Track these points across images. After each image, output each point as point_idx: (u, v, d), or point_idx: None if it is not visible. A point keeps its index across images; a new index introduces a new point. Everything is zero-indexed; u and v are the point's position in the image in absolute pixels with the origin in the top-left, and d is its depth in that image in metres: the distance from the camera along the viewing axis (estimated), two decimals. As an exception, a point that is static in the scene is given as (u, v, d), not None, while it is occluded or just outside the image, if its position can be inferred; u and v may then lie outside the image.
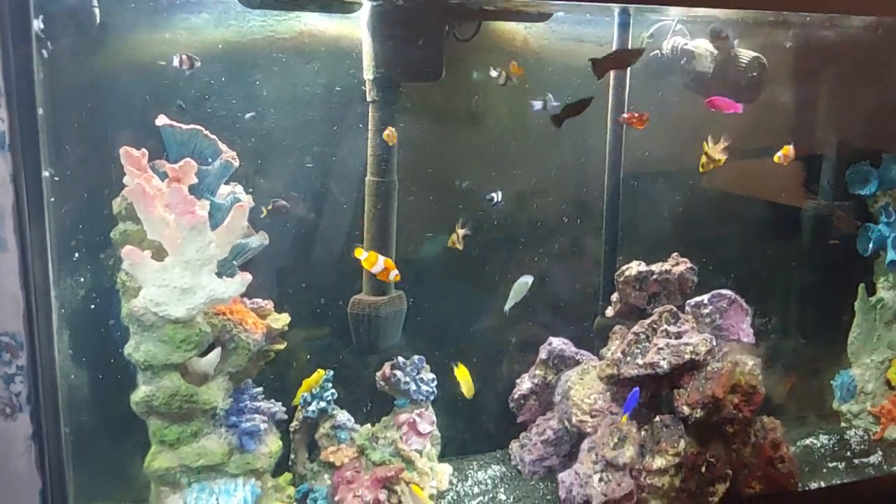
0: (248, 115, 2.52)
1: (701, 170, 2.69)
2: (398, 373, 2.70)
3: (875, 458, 3.12)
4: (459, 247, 2.70)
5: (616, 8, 2.72)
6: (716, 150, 2.65)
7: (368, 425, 2.72)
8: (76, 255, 2.39)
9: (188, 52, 2.34)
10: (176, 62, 2.33)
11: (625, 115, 2.70)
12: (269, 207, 2.53)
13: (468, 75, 2.77)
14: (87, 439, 2.45)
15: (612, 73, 2.83)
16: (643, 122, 2.64)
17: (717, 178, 3.15)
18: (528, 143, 2.89)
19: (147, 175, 2.10)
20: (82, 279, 2.41)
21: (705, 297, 2.83)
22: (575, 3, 2.69)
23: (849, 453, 3.15)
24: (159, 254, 2.12)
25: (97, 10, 2.28)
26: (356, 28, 2.56)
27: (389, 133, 2.52)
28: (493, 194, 2.72)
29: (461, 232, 2.69)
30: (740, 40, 2.80)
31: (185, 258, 2.08)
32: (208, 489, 2.24)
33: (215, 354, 2.27)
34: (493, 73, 2.57)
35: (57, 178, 2.26)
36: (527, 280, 2.73)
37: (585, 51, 2.89)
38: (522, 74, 2.59)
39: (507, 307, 2.74)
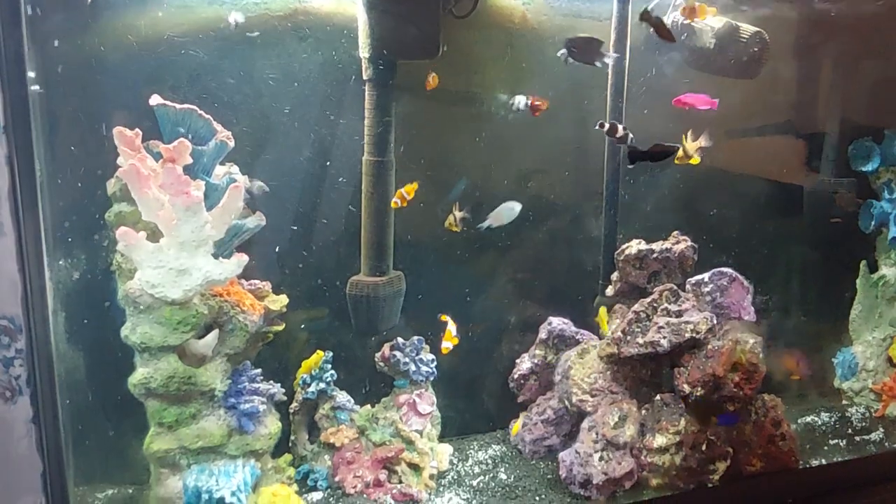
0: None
1: (676, 161, 2.70)
2: (398, 353, 2.70)
3: (876, 436, 3.12)
4: (457, 229, 2.68)
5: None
6: (692, 147, 2.64)
7: (368, 406, 2.72)
8: (72, 237, 2.37)
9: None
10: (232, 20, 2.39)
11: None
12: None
13: (466, 53, 2.73)
14: (87, 422, 2.46)
15: (611, 52, 2.79)
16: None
17: (717, 155, 3.12)
18: (527, 122, 2.86)
19: (141, 155, 2.08)
20: (79, 261, 2.40)
21: (706, 276, 2.82)
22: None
23: (850, 431, 3.15)
24: (154, 235, 2.11)
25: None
26: (351, 5, 2.52)
27: None
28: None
29: (458, 214, 2.67)
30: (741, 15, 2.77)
31: (180, 239, 2.07)
32: (208, 470, 2.24)
33: (213, 336, 2.26)
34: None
35: (51, 161, 2.25)
36: (513, 206, 2.63)
37: (584, 26, 2.85)
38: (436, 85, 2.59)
39: (483, 225, 2.66)
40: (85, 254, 2.39)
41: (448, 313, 2.89)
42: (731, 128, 3.15)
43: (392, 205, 2.54)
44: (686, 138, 2.67)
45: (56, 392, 2.26)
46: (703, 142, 2.66)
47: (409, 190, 2.54)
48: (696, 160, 2.67)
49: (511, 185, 2.93)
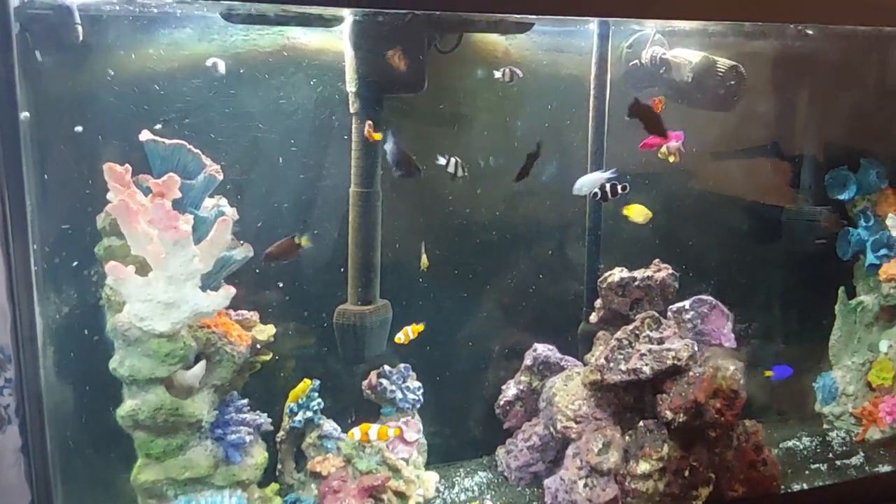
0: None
1: (660, 155, 2.81)
2: (384, 381, 2.73)
3: (857, 460, 3.15)
4: (425, 269, 2.73)
5: (595, 20, 2.75)
6: (673, 147, 2.73)
7: (355, 434, 2.74)
8: (62, 270, 2.39)
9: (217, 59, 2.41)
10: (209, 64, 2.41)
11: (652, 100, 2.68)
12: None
13: (450, 87, 2.80)
14: (76, 452, 2.47)
15: (591, 83, 2.86)
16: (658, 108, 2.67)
17: (697, 183, 3.19)
18: (511, 153, 2.92)
19: (130, 191, 2.12)
20: (68, 295, 2.42)
21: (687, 303, 2.87)
22: (556, 17, 2.70)
23: (831, 455, 3.18)
24: (143, 269, 2.14)
25: (80, 28, 2.29)
26: (338, 41, 2.58)
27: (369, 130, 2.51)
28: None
29: (425, 256, 2.71)
30: (718, 50, 2.85)
31: (168, 273, 2.10)
32: (194, 501, 2.25)
33: (200, 367, 2.28)
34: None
35: (41, 194, 2.28)
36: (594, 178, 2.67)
37: (566, 61, 2.92)
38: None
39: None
40: (74, 287, 2.41)
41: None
42: (711, 157, 3.22)
43: (396, 340, 2.63)
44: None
45: (45, 422, 2.29)
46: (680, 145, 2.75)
47: (414, 330, 2.62)
48: (673, 159, 2.76)
49: (496, 214, 2.98)
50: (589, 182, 2.68)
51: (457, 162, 2.54)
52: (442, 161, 2.53)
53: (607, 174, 2.66)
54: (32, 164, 2.24)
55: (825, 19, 2.69)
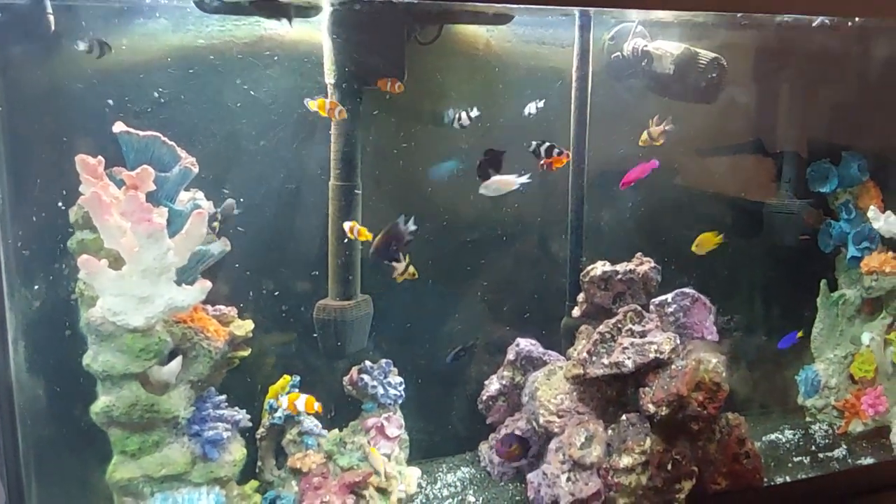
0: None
1: (640, 143, 2.80)
2: (365, 377, 2.70)
3: (839, 453, 3.16)
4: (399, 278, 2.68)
5: (576, 11, 2.73)
6: (656, 132, 2.72)
7: (336, 430, 2.71)
8: (33, 265, 2.35)
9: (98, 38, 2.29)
10: (83, 47, 2.28)
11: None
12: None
13: (430, 78, 2.77)
14: (49, 450, 2.42)
15: (573, 76, 2.84)
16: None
17: (679, 177, 3.19)
18: (493, 145, 2.90)
19: (103, 183, 2.08)
20: (40, 289, 2.38)
21: (669, 296, 2.86)
22: (536, 7, 2.68)
23: (813, 448, 3.20)
24: (117, 262, 2.10)
25: (51, 17, 2.24)
26: (316, 32, 2.54)
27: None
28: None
29: (399, 266, 2.62)
30: (699, 42, 2.85)
31: (142, 266, 2.06)
32: (171, 499, 2.22)
33: (176, 363, 2.25)
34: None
35: (12, 188, 2.24)
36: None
37: (547, 53, 2.91)
38: None
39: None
40: (46, 282, 2.36)
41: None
42: (692, 150, 3.21)
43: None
44: (652, 123, 2.75)
45: (16, 421, 2.25)
46: (666, 126, 2.73)
47: (361, 231, 2.53)
48: (659, 142, 2.76)
49: (478, 208, 2.96)
50: (495, 184, 2.63)
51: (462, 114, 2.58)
52: None
53: (523, 178, 2.63)
54: (2, 157, 2.21)
55: (806, 10, 2.69)
